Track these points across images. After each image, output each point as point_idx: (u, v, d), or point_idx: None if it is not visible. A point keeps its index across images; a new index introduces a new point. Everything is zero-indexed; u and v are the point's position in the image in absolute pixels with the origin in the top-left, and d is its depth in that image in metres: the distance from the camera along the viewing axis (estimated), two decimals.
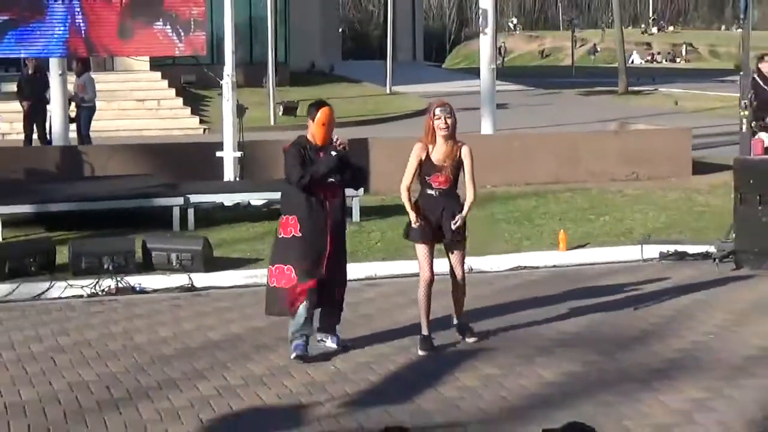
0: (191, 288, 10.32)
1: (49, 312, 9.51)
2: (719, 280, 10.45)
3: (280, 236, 7.95)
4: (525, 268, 11.17)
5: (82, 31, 14.48)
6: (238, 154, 15.30)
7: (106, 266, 10.59)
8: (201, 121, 28.64)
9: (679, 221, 13.65)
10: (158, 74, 31.12)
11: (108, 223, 12.93)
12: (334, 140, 7.96)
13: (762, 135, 16.09)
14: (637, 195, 15.75)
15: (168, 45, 14.94)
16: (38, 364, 7.83)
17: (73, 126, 19.36)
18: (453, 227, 7.97)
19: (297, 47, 38.20)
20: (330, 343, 8.12)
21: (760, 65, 16.81)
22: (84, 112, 20.28)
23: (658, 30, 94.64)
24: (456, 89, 36.26)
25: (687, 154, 17.93)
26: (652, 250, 11.55)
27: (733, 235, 11.18)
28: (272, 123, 27.99)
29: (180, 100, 30.25)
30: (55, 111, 18.30)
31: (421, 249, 8.06)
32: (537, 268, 11.19)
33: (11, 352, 8.19)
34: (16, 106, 21.76)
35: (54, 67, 17.63)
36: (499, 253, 11.68)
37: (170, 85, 31.01)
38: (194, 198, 13.44)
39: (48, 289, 10.16)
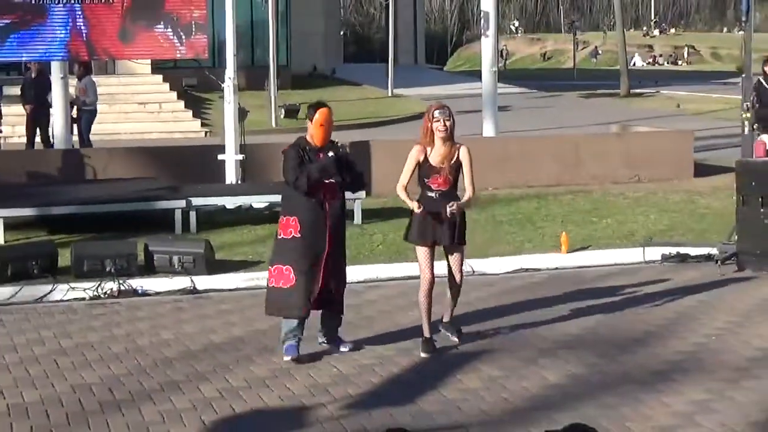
0: (193, 290, 10.32)
1: (51, 315, 9.52)
2: (721, 282, 10.45)
3: (279, 237, 7.96)
4: (527, 270, 11.17)
5: (84, 35, 14.48)
6: (240, 157, 15.32)
7: (108, 269, 10.60)
8: (202, 124, 28.67)
9: (681, 223, 13.64)
10: (159, 77, 31.16)
11: (110, 226, 12.93)
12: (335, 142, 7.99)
13: (764, 137, 16.10)
14: (638, 197, 15.74)
15: (169, 48, 14.94)
16: (41, 366, 7.83)
17: (75, 129, 19.38)
18: (449, 210, 7.90)
19: (298, 50, 38.22)
20: (343, 349, 8.12)
21: (765, 68, 16.82)
22: (85, 115, 20.24)
23: (660, 32, 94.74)
24: (458, 92, 36.29)
25: (689, 157, 17.94)
26: (654, 253, 11.55)
27: (735, 237, 11.18)
28: (274, 126, 28.04)
29: (181, 103, 30.28)
30: (57, 114, 18.31)
31: (422, 251, 8.06)
32: (539, 270, 11.19)
33: (14, 354, 8.19)
34: (19, 109, 21.78)
35: (55, 70, 17.62)
36: (501, 255, 11.68)
37: (172, 88, 31.04)
38: (196, 201, 13.44)
39: (50, 291, 10.17)
